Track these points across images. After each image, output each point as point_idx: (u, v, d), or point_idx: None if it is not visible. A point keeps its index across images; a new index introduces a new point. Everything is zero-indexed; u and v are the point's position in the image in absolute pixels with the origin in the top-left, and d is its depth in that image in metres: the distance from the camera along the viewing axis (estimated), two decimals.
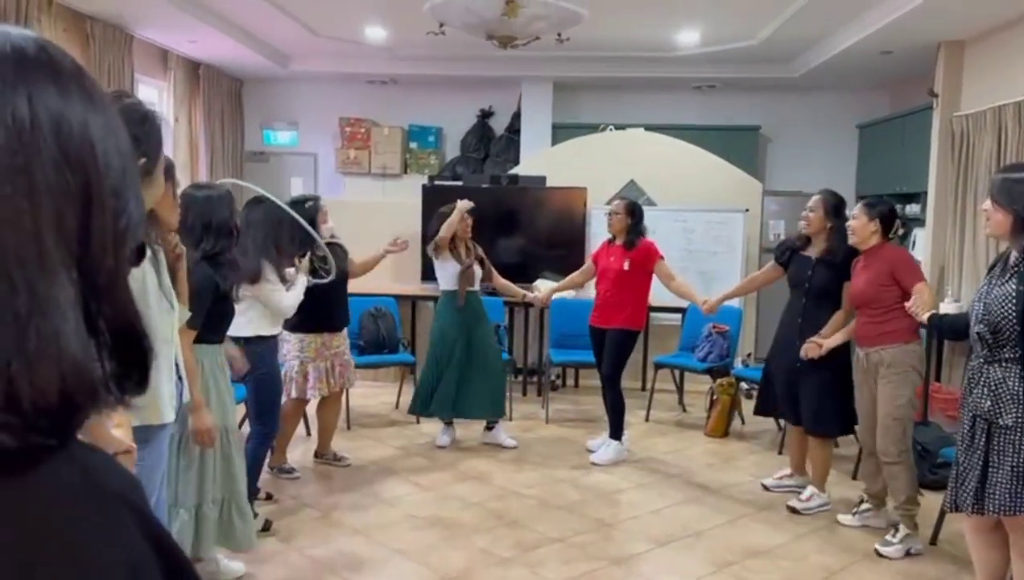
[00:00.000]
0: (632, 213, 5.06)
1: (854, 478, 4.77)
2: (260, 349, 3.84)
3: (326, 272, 4.25)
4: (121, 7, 6.04)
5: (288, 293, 3.91)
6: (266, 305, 3.84)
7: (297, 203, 4.48)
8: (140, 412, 2.43)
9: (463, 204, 5.11)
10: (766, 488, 4.61)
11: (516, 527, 4.00)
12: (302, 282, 4.04)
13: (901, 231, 4.00)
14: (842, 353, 4.17)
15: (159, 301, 2.41)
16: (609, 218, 5.15)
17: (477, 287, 5.22)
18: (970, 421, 2.94)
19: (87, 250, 0.54)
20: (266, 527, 3.82)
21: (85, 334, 0.54)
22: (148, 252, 2.31)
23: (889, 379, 3.78)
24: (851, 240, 3.95)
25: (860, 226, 3.88)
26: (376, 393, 6.43)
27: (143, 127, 1.55)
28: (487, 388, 5.17)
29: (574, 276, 5.48)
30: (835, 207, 4.21)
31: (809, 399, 4.23)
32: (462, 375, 5.11)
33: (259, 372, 3.83)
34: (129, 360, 0.57)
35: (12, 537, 0.50)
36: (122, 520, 0.56)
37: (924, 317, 3.42)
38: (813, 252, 4.27)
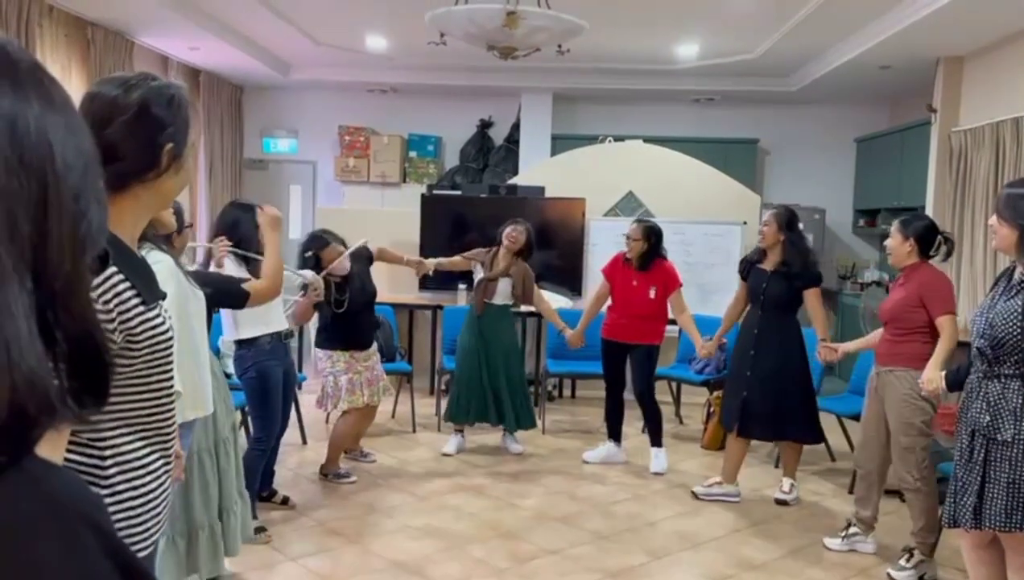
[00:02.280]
0: (649, 238, 4.98)
1: (850, 492, 4.75)
2: (248, 352, 3.84)
3: (335, 302, 4.44)
4: (123, 13, 6.05)
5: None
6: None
7: (315, 238, 4.55)
8: (186, 408, 2.41)
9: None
10: (695, 495, 4.63)
11: (512, 538, 3.98)
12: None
13: (944, 249, 3.79)
14: (793, 361, 4.34)
15: (194, 295, 2.39)
16: (627, 240, 5.07)
17: (501, 302, 5.21)
18: (968, 436, 2.93)
19: (44, 257, 0.51)
20: (260, 530, 3.81)
21: (40, 345, 0.51)
22: (169, 256, 2.30)
23: (896, 406, 3.68)
24: (889, 260, 3.91)
25: (895, 245, 3.76)
26: None
27: (170, 110, 1.46)
28: (511, 399, 5.21)
29: (594, 302, 5.28)
30: (788, 221, 4.41)
31: (764, 407, 4.39)
32: (481, 384, 5.17)
33: (246, 376, 3.85)
34: (88, 372, 0.55)
35: None
36: (82, 539, 0.53)
37: (943, 385, 3.35)
38: (768, 265, 4.44)
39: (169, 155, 1.46)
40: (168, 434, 1.53)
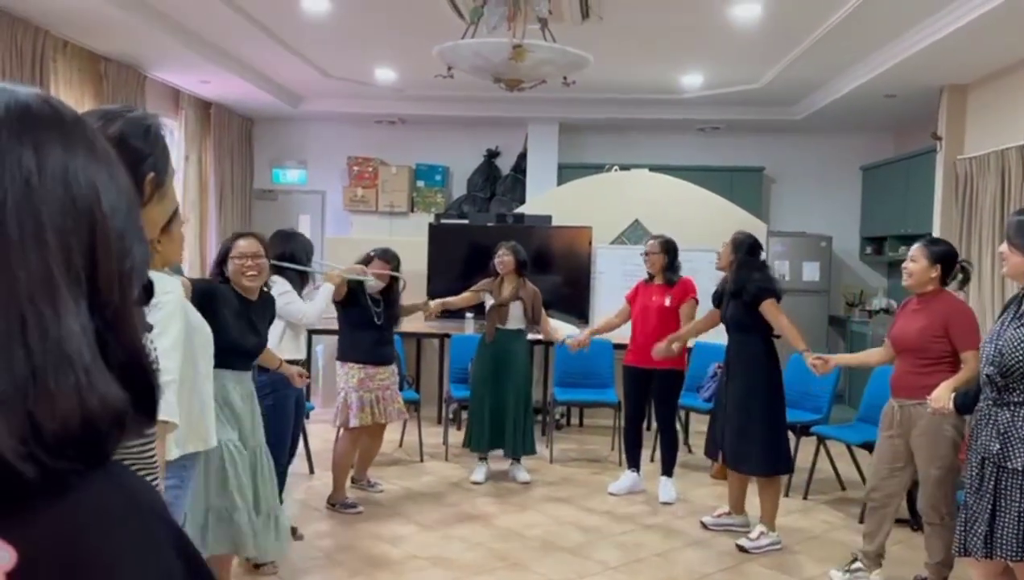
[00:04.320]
0: (667, 250, 5.09)
1: (861, 521, 4.71)
2: (265, 379, 3.86)
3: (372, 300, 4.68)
4: (135, 48, 6.16)
5: (307, 304, 4.15)
6: (288, 318, 4.01)
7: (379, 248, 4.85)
8: (186, 441, 2.42)
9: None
10: (705, 526, 4.57)
11: (519, 569, 3.95)
12: (323, 292, 4.31)
13: (960, 277, 3.65)
14: (757, 388, 4.24)
15: (200, 329, 2.41)
16: (646, 258, 5.14)
17: (515, 326, 5.27)
18: (979, 464, 2.91)
19: (96, 287, 0.57)
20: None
21: (103, 364, 0.56)
22: (182, 288, 2.33)
23: (928, 439, 3.56)
24: (906, 282, 3.70)
25: (919, 270, 3.59)
26: None
27: (148, 140, 1.48)
28: (521, 426, 5.24)
29: (612, 318, 5.37)
30: (743, 244, 4.39)
31: (731, 434, 4.34)
32: (496, 411, 5.20)
33: (264, 403, 3.86)
34: (138, 393, 0.59)
35: (55, 547, 0.54)
36: (157, 533, 0.60)
37: (950, 406, 3.31)
38: (729, 289, 4.45)
39: (151, 185, 1.48)
40: (150, 461, 1.53)
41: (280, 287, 3.94)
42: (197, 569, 0.62)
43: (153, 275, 2.19)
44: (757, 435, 4.24)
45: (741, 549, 4.22)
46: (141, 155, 1.47)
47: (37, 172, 0.56)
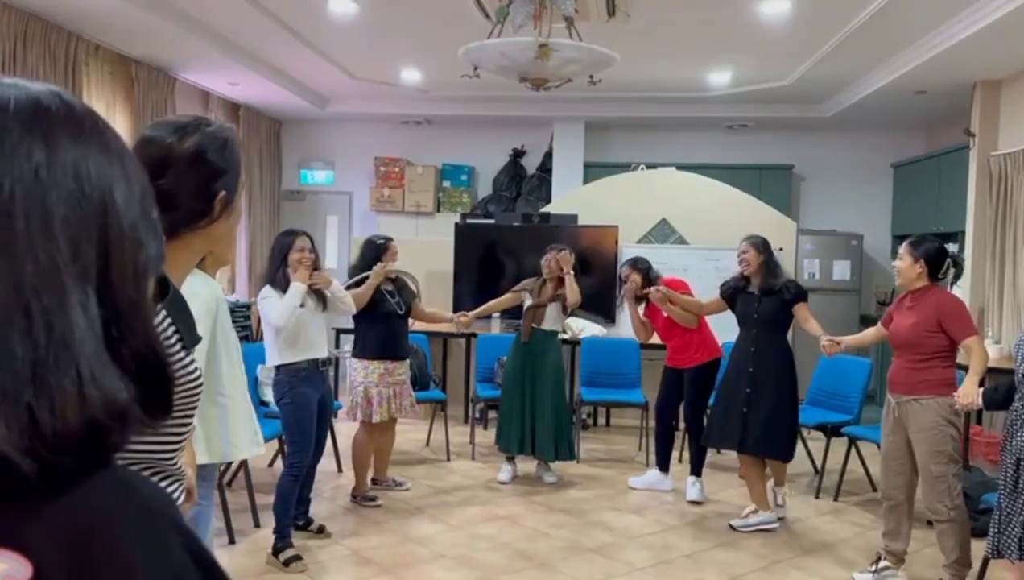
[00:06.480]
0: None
1: None
2: (284, 377, 3.97)
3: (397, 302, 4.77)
4: (166, 51, 6.24)
5: (276, 305, 3.93)
6: (265, 319, 3.99)
7: (371, 241, 4.87)
8: (214, 448, 2.37)
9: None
10: (733, 529, 4.55)
11: (546, 569, 3.95)
12: (292, 293, 3.94)
13: (953, 272, 3.75)
14: (786, 381, 4.45)
15: (230, 333, 2.36)
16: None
17: (550, 327, 5.26)
18: (1013, 465, 2.87)
19: (108, 280, 0.57)
20: (296, 559, 3.84)
21: (108, 359, 0.56)
22: (212, 288, 2.30)
23: (925, 435, 3.58)
24: (896, 282, 3.85)
25: (905, 267, 3.69)
26: (407, 430, 6.43)
27: (224, 155, 1.43)
28: (551, 428, 5.20)
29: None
30: (767, 246, 4.58)
31: (757, 423, 4.44)
32: (527, 412, 5.19)
33: (283, 401, 3.95)
34: (152, 385, 0.59)
35: (66, 552, 0.53)
36: (165, 533, 0.59)
37: (979, 402, 3.33)
38: (754, 288, 4.56)
39: (222, 203, 1.43)
40: (169, 465, 1.54)
41: (263, 292, 3.99)
42: (208, 568, 0.61)
43: (190, 277, 2.16)
44: (784, 423, 4.45)
45: (732, 528, 4.46)
46: (217, 171, 1.42)
47: (47, 165, 0.56)
